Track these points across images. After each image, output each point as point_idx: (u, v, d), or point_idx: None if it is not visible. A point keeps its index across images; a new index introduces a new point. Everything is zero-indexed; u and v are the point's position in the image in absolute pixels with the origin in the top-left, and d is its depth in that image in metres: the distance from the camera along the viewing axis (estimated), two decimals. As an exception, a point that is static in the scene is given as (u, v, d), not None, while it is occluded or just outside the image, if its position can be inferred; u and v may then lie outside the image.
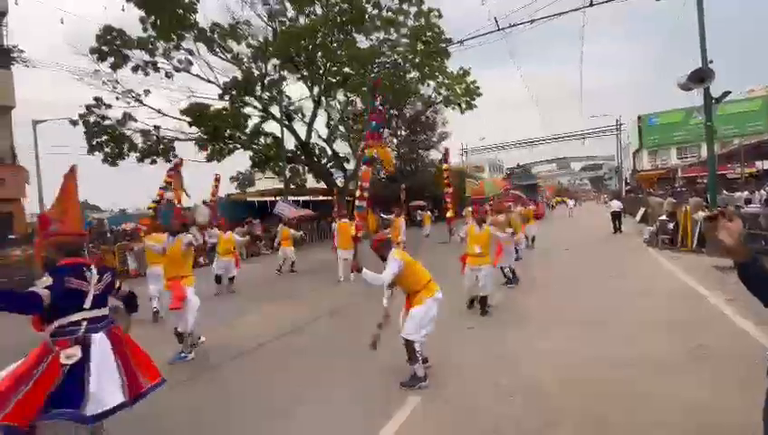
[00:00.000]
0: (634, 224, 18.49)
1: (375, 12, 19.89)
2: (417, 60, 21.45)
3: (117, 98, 18.24)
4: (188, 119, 19.50)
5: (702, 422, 2.89)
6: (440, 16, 20.98)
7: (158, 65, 18.41)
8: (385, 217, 15.26)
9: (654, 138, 35.55)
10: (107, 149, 18.34)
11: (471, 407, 3.34)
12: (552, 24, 17.61)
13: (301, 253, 12.04)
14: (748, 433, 1.71)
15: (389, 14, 20.30)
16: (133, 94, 18.43)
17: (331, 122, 24.16)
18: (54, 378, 2.31)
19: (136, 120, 18.90)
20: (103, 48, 17.09)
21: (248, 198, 24.06)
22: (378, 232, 4.10)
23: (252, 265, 13.37)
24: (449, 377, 3.92)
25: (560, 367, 3.98)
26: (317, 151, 23.94)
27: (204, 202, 10.63)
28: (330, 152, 24.14)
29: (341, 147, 25.51)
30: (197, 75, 19.33)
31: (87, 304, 2.51)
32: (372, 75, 20.72)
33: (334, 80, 21.35)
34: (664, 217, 12.49)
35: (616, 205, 17.25)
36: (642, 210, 19.04)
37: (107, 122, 18.28)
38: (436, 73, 23.08)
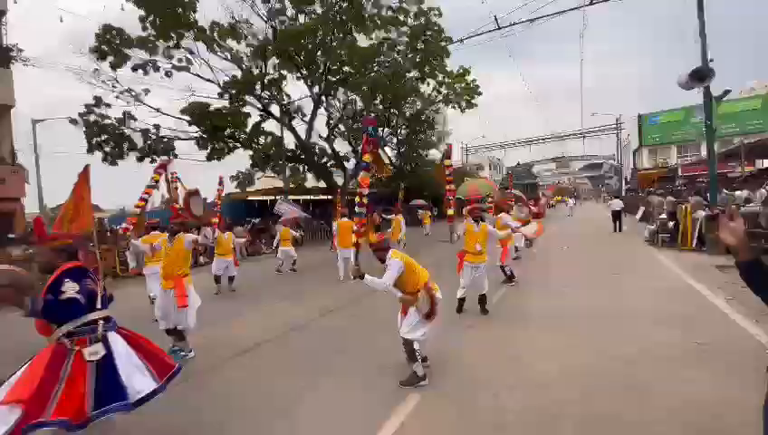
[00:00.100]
0: (634, 223, 18.50)
1: (375, 11, 19.87)
2: (417, 58, 21.45)
3: (117, 97, 18.22)
4: (188, 118, 19.49)
5: (702, 418, 2.90)
6: (440, 15, 20.99)
7: (158, 64, 18.39)
8: (386, 216, 15.28)
9: (654, 136, 35.55)
10: (107, 149, 18.32)
11: (471, 404, 3.34)
12: (553, 22, 17.57)
13: (300, 252, 12.03)
14: (748, 428, 1.71)
15: (389, 12, 20.29)
16: (133, 93, 18.42)
17: (331, 121, 24.15)
18: (84, 374, 2.40)
19: (136, 120, 18.88)
20: (103, 47, 17.06)
21: (248, 198, 24.04)
22: (377, 235, 4.07)
23: (252, 265, 13.38)
24: (449, 375, 3.92)
25: (560, 364, 3.99)
26: (317, 150, 23.93)
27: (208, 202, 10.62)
28: (330, 151, 24.13)
29: (341, 146, 25.55)
30: (197, 74, 19.30)
31: (98, 305, 2.65)
32: (372, 74, 20.72)
33: (334, 79, 21.33)
34: (664, 216, 12.50)
35: (617, 204, 17.29)
36: (642, 209, 19.05)
37: (107, 122, 18.26)
38: (436, 72, 23.09)
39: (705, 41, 10.59)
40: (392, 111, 25.53)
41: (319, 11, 19.26)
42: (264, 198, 23.80)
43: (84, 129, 17.86)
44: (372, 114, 22.80)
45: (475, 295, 6.01)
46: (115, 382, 2.48)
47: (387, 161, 29.39)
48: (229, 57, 19.33)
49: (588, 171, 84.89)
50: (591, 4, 14.77)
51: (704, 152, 18.00)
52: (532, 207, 12.93)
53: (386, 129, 27.11)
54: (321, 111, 23.21)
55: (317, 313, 6.66)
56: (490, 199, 10.76)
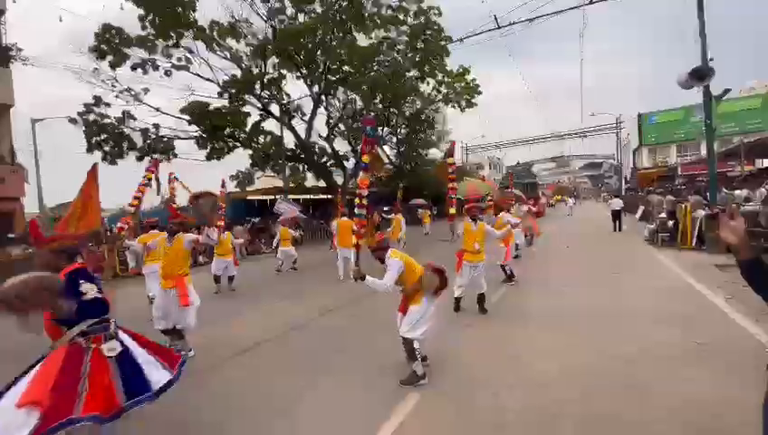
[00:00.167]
0: (634, 222, 18.51)
1: (375, 10, 19.85)
2: (416, 58, 21.44)
3: (116, 96, 18.20)
4: (188, 117, 19.48)
5: (702, 417, 2.90)
6: (440, 14, 20.97)
7: (157, 63, 18.37)
8: (387, 216, 15.28)
9: (654, 136, 35.56)
10: (106, 148, 18.30)
11: (470, 404, 3.34)
12: (552, 21, 17.56)
13: (300, 252, 12.03)
14: (748, 428, 1.72)
15: (389, 11, 20.27)
16: (132, 93, 18.40)
17: (331, 121, 24.13)
18: (107, 369, 2.44)
19: (135, 119, 18.86)
20: (102, 46, 17.04)
21: (248, 197, 24.02)
22: (376, 235, 4.06)
23: (251, 265, 13.38)
24: (448, 374, 3.92)
25: (560, 363, 3.99)
26: (317, 150, 23.92)
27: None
28: (329, 151, 24.12)
29: (341, 145, 25.53)
30: (197, 74, 19.28)
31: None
32: (372, 73, 20.70)
33: (334, 78, 21.31)
34: (664, 215, 12.51)
35: (617, 203, 17.32)
36: (642, 208, 19.06)
37: (106, 121, 18.24)
38: (436, 71, 23.08)
39: (705, 40, 10.59)
40: (392, 110, 25.51)
41: (318, 10, 19.24)
42: (264, 197, 23.79)
43: (84, 128, 17.84)
44: (372, 113, 22.78)
45: (473, 295, 6.01)
46: (139, 374, 2.56)
47: (386, 160, 29.40)
48: (229, 56, 19.31)
49: (587, 171, 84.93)
50: (591, 3, 14.76)
51: (703, 151, 18.02)
52: (532, 207, 12.95)
53: (386, 128, 27.09)
54: (321, 110, 23.21)
55: (317, 312, 6.66)
56: (489, 199, 10.76)
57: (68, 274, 2.53)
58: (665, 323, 5.02)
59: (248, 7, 19.12)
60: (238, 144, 21.36)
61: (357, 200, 4.17)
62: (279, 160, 21.78)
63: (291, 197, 19.78)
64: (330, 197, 23.15)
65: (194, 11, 17.63)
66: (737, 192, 14.11)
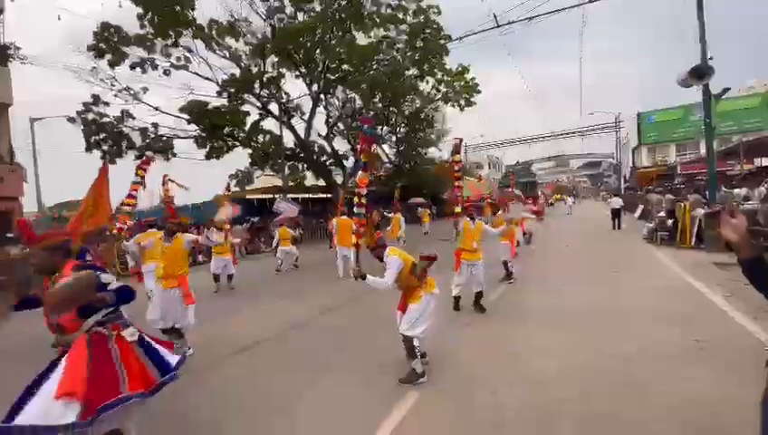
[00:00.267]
0: (633, 221, 18.53)
1: (374, 8, 19.81)
2: (416, 56, 21.41)
3: (115, 95, 18.17)
4: (187, 116, 19.44)
5: (701, 416, 2.90)
6: (439, 13, 20.94)
7: (156, 62, 18.33)
8: (387, 214, 15.30)
9: (653, 135, 35.58)
10: (105, 147, 18.26)
11: (470, 402, 3.34)
12: (551, 20, 17.54)
13: (300, 251, 12.02)
14: (747, 427, 1.72)
15: (389, 10, 20.23)
16: (131, 92, 18.36)
17: (330, 120, 24.11)
18: (133, 351, 2.55)
19: (134, 118, 18.83)
20: (101, 45, 17.00)
21: (247, 196, 24.00)
22: (375, 235, 4.06)
23: (251, 264, 13.37)
24: (448, 372, 3.92)
25: (559, 361, 3.99)
26: (316, 149, 23.90)
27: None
28: (329, 150, 24.10)
29: (340, 144, 25.51)
30: (196, 73, 19.25)
31: None
32: (371, 72, 20.67)
33: (333, 77, 21.28)
34: (663, 214, 12.52)
35: (616, 202, 17.35)
36: (641, 207, 19.08)
37: (105, 120, 18.20)
38: (435, 70, 23.05)
39: (705, 39, 10.59)
40: (391, 109, 25.50)
41: (318, 9, 19.20)
42: (264, 196, 23.76)
43: (82, 127, 17.81)
44: (371, 112, 22.77)
45: (472, 294, 6.00)
46: (158, 354, 2.69)
47: (385, 159, 29.38)
48: (228, 55, 19.27)
49: (587, 170, 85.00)
50: (591, 1, 14.76)
51: (703, 150, 18.05)
52: (532, 206, 12.95)
53: (385, 127, 27.07)
54: (320, 109, 23.19)
55: (317, 311, 6.66)
56: (488, 198, 10.75)
57: (79, 268, 2.54)
58: (664, 321, 5.02)
59: (247, 6, 19.16)
60: (237, 143, 21.33)
61: (356, 199, 4.17)
62: (278, 159, 21.75)
63: (290, 196, 19.78)
64: (329, 196, 23.14)
65: (193, 10, 17.59)
66: (736, 191, 14.13)
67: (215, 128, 19.85)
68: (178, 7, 17.02)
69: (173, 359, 2.78)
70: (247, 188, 23.57)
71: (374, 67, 21.15)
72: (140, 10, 16.96)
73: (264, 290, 8.93)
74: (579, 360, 4.04)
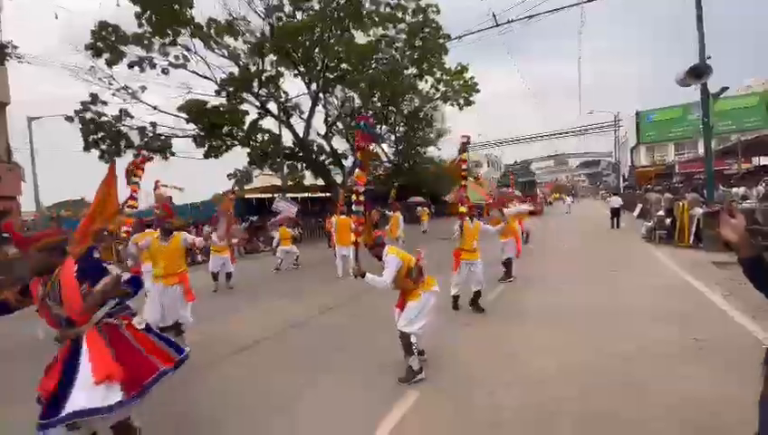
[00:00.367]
0: (632, 220, 18.55)
1: (373, 7, 19.79)
2: (415, 56, 21.39)
3: (113, 94, 18.12)
4: (185, 115, 19.40)
5: (700, 415, 2.91)
6: (438, 12, 20.91)
7: (154, 61, 18.28)
8: (388, 212, 15.28)
9: (651, 134, 35.63)
10: (103, 147, 18.22)
11: (469, 401, 3.34)
12: (550, 19, 17.54)
13: (299, 250, 12.00)
14: (746, 426, 1.72)
15: (387, 9, 20.20)
16: (129, 91, 18.31)
17: (329, 119, 24.08)
18: (146, 336, 2.67)
19: (132, 117, 18.79)
20: (98, 44, 16.94)
21: (246, 196, 23.97)
22: (373, 233, 4.05)
23: (250, 263, 13.36)
24: (447, 372, 3.92)
25: (557, 361, 3.99)
26: (315, 148, 23.87)
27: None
28: (328, 149, 24.08)
29: (339, 143, 25.49)
30: (194, 72, 19.21)
31: None
32: (370, 71, 20.64)
33: (332, 76, 21.24)
34: (661, 213, 12.54)
35: (615, 201, 17.38)
36: (640, 206, 19.11)
37: (103, 119, 18.15)
38: (434, 69, 23.04)
39: (703, 38, 10.60)
40: (390, 108, 25.48)
41: (316, 7, 19.17)
42: (262, 195, 23.73)
43: (80, 126, 17.76)
44: (370, 112, 22.75)
45: (470, 293, 5.98)
46: (168, 338, 2.89)
47: (384, 158, 29.36)
48: (226, 54, 19.23)
49: (585, 168, 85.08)
50: (589, 0, 14.76)
51: (701, 149, 18.01)
52: (527, 206, 12.95)
53: (384, 126, 27.05)
54: (319, 108, 23.17)
55: (316, 310, 6.65)
56: (489, 198, 10.73)
57: (80, 262, 2.59)
58: (663, 320, 5.02)
59: (246, 5, 19.11)
60: (236, 142, 21.30)
61: (354, 197, 4.16)
62: (277, 159, 21.72)
63: (289, 195, 19.76)
64: (329, 195, 23.13)
65: (191, 8, 17.55)
66: (734, 190, 14.18)
67: (213, 127, 19.82)
68: (177, 6, 16.97)
69: (180, 343, 2.94)
70: (246, 187, 23.54)
71: (373, 66, 21.13)
72: (138, 9, 16.92)
73: (264, 289, 8.92)
74: (577, 359, 4.04)
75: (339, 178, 23.86)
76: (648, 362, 3.89)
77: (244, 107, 20.74)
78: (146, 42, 17.56)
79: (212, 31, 18.32)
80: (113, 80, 17.86)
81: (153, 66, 18.30)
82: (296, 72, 21.00)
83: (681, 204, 11.36)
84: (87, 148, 17.97)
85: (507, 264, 7.85)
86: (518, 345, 4.53)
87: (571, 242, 13.54)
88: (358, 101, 23.66)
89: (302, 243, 16.57)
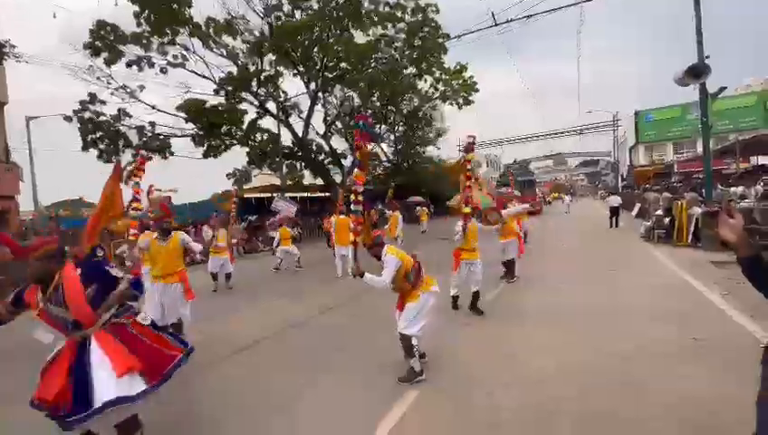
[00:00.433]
0: (630, 219, 18.59)
1: (372, 7, 19.76)
2: (414, 55, 21.37)
3: (111, 94, 18.07)
4: (184, 115, 19.36)
5: (699, 415, 2.92)
6: (437, 11, 20.90)
7: (153, 61, 18.24)
8: (386, 212, 15.30)
9: (650, 133, 35.70)
10: (101, 146, 18.18)
11: (469, 401, 3.35)
12: (550, 18, 17.56)
13: (298, 249, 12.01)
14: (745, 426, 1.73)
15: (387, 8, 20.18)
16: (128, 90, 18.27)
17: (328, 118, 24.05)
18: (153, 331, 2.81)
19: (131, 117, 18.75)
20: (97, 43, 16.89)
21: (245, 195, 23.95)
22: (372, 233, 4.04)
23: (249, 263, 13.36)
24: (446, 372, 3.93)
25: (556, 360, 4.00)
26: (314, 147, 23.85)
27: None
28: (327, 148, 24.05)
29: (339, 143, 25.47)
30: (193, 71, 19.17)
31: None
32: (369, 71, 20.62)
33: (331, 75, 21.22)
34: (660, 212, 12.57)
35: (614, 200, 17.41)
36: (638, 205, 19.15)
37: (102, 119, 18.11)
38: (434, 69, 23.02)
39: (702, 38, 10.61)
40: (389, 107, 25.45)
41: (315, 7, 19.14)
42: (261, 195, 23.72)
43: (79, 126, 17.71)
44: (369, 111, 22.72)
45: (470, 293, 5.98)
46: (173, 333, 3.08)
47: (383, 158, 29.34)
48: (225, 53, 19.18)
49: (584, 168, 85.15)
50: (587, 0, 14.77)
51: (699, 149, 18.05)
52: (525, 205, 12.95)
53: (383, 125, 27.03)
54: (318, 107, 23.14)
55: (316, 310, 6.65)
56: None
57: (80, 267, 2.65)
58: (661, 319, 5.04)
59: (244, 4, 19.05)
60: (235, 142, 21.26)
61: (353, 197, 4.16)
62: (276, 158, 21.69)
63: (288, 195, 19.74)
64: (328, 195, 23.11)
65: (189, 7, 17.50)
66: (733, 189, 14.22)
67: (212, 126, 19.78)
68: (175, 5, 16.93)
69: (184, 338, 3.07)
70: (245, 186, 23.52)
71: (372, 65, 21.11)
72: (137, 8, 16.86)
73: (263, 289, 8.92)
74: (576, 358, 4.05)
75: (338, 178, 23.84)
76: (646, 361, 3.90)
77: (243, 106, 20.72)
78: (144, 41, 17.51)
79: (211, 30, 18.28)
80: (112, 79, 17.83)
81: (152, 65, 18.26)
82: (295, 71, 20.97)
83: (680, 203, 11.38)
84: (85, 147, 17.92)
85: (509, 264, 7.85)
86: (517, 345, 4.54)
87: (570, 241, 13.56)
88: (357, 101, 23.63)
89: (301, 242, 16.57)
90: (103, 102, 18.05)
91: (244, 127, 21.03)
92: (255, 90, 20.14)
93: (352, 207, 4.21)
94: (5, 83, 16.35)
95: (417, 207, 22.40)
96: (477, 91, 25.17)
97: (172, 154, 19.90)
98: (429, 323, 3.92)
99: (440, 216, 25.93)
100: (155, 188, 7.78)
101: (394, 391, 3.56)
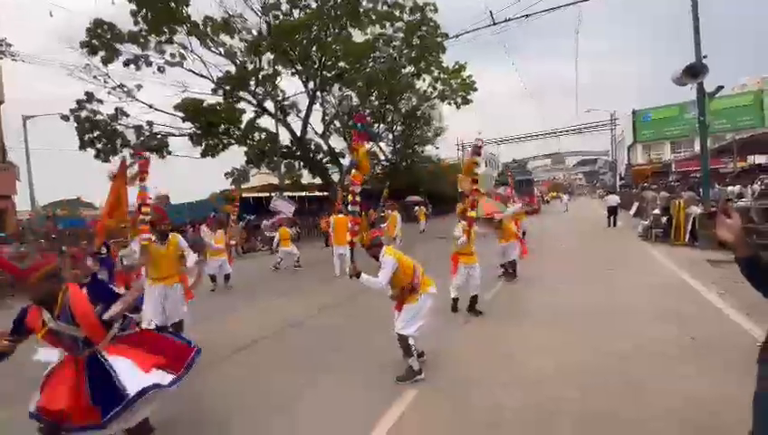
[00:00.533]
0: (628, 218, 18.64)
1: (370, 6, 19.74)
2: (412, 54, 21.36)
3: (108, 93, 18.01)
4: (181, 114, 19.30)
5: (699, 415, 2.92)
6: (435, 10, 20.89)
7: (150, 59, 18.17)
8: (383, 210, 15.27)
9: (648, 132, 35.78)
10: (99, 145, 18.12)
11: (467, 401, 3.35)
12: (548, 18, 17.57)
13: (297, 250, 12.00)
14: (745, 426, 1.73)
15: (385, 7, 20.16)
16: (125, 89, 18.20)
17: (326, 117, 24.03)
18: (160, 333, 3.10)
19: (128, 116, 18.70)
20: (94, 42, 16.82)
21: (243, 195, 23.92)
22: (371, 231, 4.03)
23: (248, 262, 13.34)
24: (445, 372, 3.93)
25: (555, 361, 4.00)
26: (312, 147, 23.82)
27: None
28: (325, 148, 24.03)
29: (337, 142, 25.46)
30: (190, 70, 19.12)
31: None
32: (367, 70, 20.60)
33: (329, 74, 21.20)
34: (658, 212, 12.61)
35: (613, 199, 17.46)
36: (636, 204, 19.21)
37: (99, 118, 18.04)
38: (432, 68, 23.02)
39: (699, 38, 10.64)
40: (388, 107, 25.44)
41: (313, 5, 19.11)
42: (260, 194, 23.69)
43: (76, 125, 17.64)
44: (368, 110, 22.71)
45: (468, 296, 5.97)
46: (177, 333, 3.30)
47: (382, 157, 29.32)
48: (223, 52, 19.15)
49: (582, 167, 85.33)
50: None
51: (697, 148, 18.11)
52: (526, 206, 12.97)
53: (381, 125, 27.02)
54: (317, 106, 23.12)
55: (314, 309, 6.65)
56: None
57: (85, 286, 2.74)
58: (659, 319, 5.05)
59: (242, 2, 18.99)
60: (233, 141, 21.23)
61: (350, 197, 4.15)
62: (274, 157, 21.67)
63: (287, 194, 19.72)
64: (326, 194, 23.09)
65: (187, 6, 17.45)
66: (730, 188, 14.26)
67: (210, 126, 19.75)
68: (173, 4, 16.87)
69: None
70: (243, 186, 23.48)
71: (370, 65, 21.10)
72: (134, 6, 16.81)
73: (261, 288, 8.91)
74: (575, 358, 4.06)
75: (336, 177, 23.82)
76: (645, 360, 3.90)
77: (241, 105, 20.70)
78: (142, 40, 17.47)
79: (208, 29, 18.24)
80: (109, 78, 17.79)
81: (149, 64, 18.21)
82: (293, 70, 20.93)
83: (677, 202, 11.41)
84: (82, 147, 17.86)
85: (511, 265, 7.86)
86: (516, 345, 4.54)
87: (569, 241, 13.58)
88: (355, 100, 23.62)
89: (299, 242, 16.55)
90: (100, 101, 18.00)
91: (242, 126, 21.01)
92: (253, 89, 20.10)
93: (349, 207, 4.20)
94: (2, 82, 16.28)
95: (416, 207, 22.40)
96: (476, 90, 25.18)
97: (170, 153, 19.86)
98: (428, 323, 3.92)
99: (438, 215, 25.95)
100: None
101: (393, 391, 3.56)
